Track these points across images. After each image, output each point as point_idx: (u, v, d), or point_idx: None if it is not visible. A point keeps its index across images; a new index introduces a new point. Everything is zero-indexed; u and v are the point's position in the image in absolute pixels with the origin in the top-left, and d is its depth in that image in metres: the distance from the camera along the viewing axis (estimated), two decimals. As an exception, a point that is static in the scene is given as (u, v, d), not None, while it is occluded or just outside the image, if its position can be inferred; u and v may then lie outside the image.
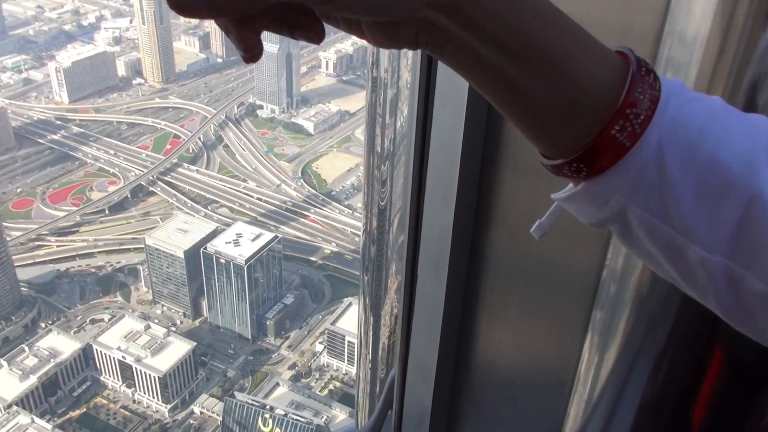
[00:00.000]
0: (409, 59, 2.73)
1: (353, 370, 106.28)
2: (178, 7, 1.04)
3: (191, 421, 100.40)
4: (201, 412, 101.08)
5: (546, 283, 2.58)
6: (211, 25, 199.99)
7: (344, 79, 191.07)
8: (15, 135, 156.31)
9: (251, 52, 1.13)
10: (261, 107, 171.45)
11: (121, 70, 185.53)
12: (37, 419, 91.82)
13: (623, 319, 2.16)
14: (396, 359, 3.39)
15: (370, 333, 4.05)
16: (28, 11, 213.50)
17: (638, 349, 2.13)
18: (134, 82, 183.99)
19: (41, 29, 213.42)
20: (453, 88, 2.37)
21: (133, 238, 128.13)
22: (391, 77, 3.02)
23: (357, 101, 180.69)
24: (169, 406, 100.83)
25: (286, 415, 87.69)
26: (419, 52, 2.54)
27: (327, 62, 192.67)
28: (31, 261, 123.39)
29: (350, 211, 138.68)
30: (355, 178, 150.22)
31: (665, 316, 1.96)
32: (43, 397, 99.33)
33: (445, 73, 2.39)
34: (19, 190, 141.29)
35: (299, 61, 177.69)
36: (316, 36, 1.19)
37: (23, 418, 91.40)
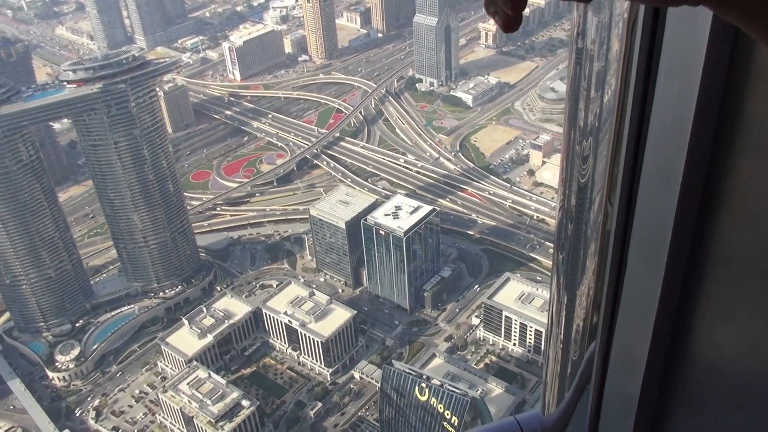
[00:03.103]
0: (620, 29, 2.52)
1: (510, 346, 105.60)
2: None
3: (351, 386, 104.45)
4: (360, 378, 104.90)
5: None
6: (372, 1, 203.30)
7: (504, 50, 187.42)
8: (194, 111, 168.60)
9: (515, 23, 1.20)
10: (420, 80, 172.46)
11: (288, 48, 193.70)
12: (213, 374, 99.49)
13: None
14: (595, 344, 3.20)
15: (563, 313, 3.86)
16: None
17: None
18: (300, 59, 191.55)
19: (216, 11, 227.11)
20: (684, 59, 2.19)
21: (298, 209, 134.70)
22: (598, 49, 2.83)
23: (517, 73, 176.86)
24: (330, 370, 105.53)
25: (442, 385, 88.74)
26: (634, 21, 2.39)
27: (486, 34, 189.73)
28: (209, 229, 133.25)
29: (508, 185, 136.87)
30: (513, 152, 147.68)
31: None
32: (218, 355, 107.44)
33: (673, 41, 2.22)
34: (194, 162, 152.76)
35: (458, 33, 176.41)
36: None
37: (201, 372, 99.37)
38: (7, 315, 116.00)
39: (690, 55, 2.13)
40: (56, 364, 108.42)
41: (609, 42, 2.70)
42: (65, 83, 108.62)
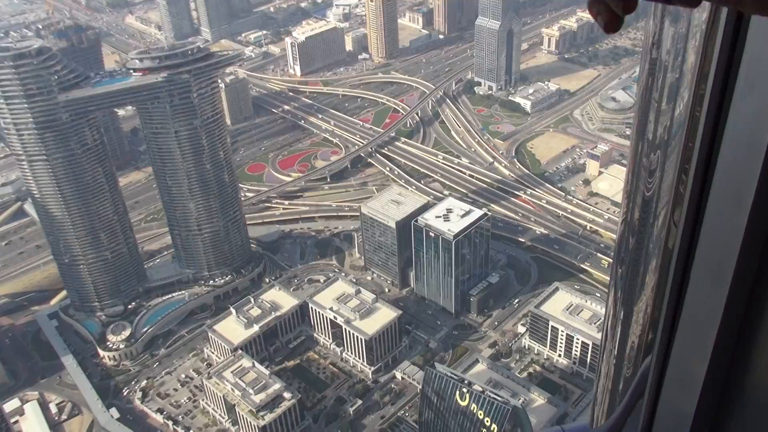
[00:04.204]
0: (697, 40, 2.44)
1: (555, 357, 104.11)
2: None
3: (392, 386, 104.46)
4: (402, 378, 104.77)
5: None
6: (435, 2, 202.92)
7: (566, 57, 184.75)
8: (253, 104, 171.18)
9: (618, 23, 1.28)
10: (479, 84, 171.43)
11: (349, 45, 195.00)
12: (257, 364, 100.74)
13: None
14: (650, 360, 3.14)
15: (618, 328, 3.79)
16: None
17: None
18: (360, 57, 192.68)
19: (281, 6, 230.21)
20: (765, 73, 2.11)
21: (350, 206, 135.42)
22: (673, 60, 2.75)
23: (578, 80, 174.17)
24: (372, 368, 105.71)
25: (483, 392, 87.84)
26: (713, 33, 2.32)
27: (549, 39, 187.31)
28: (261, 221, 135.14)
29: (563, 194, 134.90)
30: (570, 160, 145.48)
31: None
32: (263, 346, 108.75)
33: (754, 54, 2.13)
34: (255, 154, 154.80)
35: (520, 37, 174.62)
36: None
37: (246, 361, 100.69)
38: (64, 293, 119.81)
39: None
40: (108, 343, 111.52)
41: (685, 53, 2.63)
42: (132, 71, 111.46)
